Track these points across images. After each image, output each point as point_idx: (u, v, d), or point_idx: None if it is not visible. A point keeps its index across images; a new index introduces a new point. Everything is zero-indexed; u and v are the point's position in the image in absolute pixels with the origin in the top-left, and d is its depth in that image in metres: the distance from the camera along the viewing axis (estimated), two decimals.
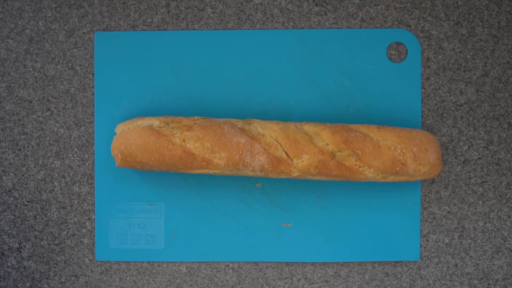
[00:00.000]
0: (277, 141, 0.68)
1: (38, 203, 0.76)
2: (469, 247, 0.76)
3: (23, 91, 0.76)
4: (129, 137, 0.69)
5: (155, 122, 0.69)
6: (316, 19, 0.75)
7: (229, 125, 0.68)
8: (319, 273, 0.76)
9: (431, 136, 0.70)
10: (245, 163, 0.68)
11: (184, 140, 0.68)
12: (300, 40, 0.75)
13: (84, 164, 0.76)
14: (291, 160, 0.68)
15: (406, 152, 0.68)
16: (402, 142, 0.68)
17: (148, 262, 0.76)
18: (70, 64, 0.76)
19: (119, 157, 0.70)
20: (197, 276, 0.76)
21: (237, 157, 0.68)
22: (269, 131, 0.68)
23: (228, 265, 0.76)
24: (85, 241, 0.76)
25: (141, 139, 0.68)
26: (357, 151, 0.68)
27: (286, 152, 0.68)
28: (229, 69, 0.75)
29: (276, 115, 0.75)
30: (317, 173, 0.69)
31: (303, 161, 0.68)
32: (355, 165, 0.68)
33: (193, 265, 0.76)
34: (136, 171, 0.75)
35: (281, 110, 0.75)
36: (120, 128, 0.71)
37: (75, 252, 0.76)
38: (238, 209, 0.75)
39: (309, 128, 0.69)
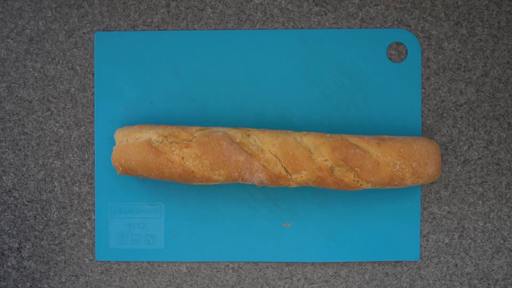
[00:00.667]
0: (276, 157, 0.68)
1: (38, 203, 0.76)
2: (469, 247, 0.76)
3: (23, 91, 0.76)
4: (128, 152, 0.69)
5: (153, 135, 0.69)
6: (316, 19, 0.75)
7: (228, 141, 0.68)
8: (319, 273, 0.76)
9: (433, 147, 0.69)
10: (244, 179, 0.68)
11: (183, 158, 0.68)
12: (300, 40, 0.75)
13: (84, 164, 0.76)
14: (290, 176, 0.68)
15: (405, 168, 0.68)
16: (402, 158, 0.68)
17: (148, 262, 0.76)
18: (70, 64, 0.76)
19: (120, 168, 0.70)
20: (197, 276, 0.76)
21: (236, 174, 0.68)
22: (268, 145, 0.68)
23: (228, 265, 0.76)
24: (85, 241, 0.76)
25: (140, 156, 0.68)
26: (356, 168, 0.68)
27: (285, 168, 0.68)
28: (229, 69, 0.75)
29: (276, 115, 0.75)
30: (315, 186, 0.70)
31: (301, 176, 0.68)
32: (353, 180, 0.68)
33: (193, 265, 0.76)
34: None
35: (281, 110, 0.75)
36: (118, 136, 0.71)
37: (75, 252, 0.76)
38: (238, 209, 0.75)
39: (308, 141, 0.69)
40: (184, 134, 0.69)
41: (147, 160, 0.68)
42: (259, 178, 0.68)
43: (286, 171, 0.68)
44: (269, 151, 0.68)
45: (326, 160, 0.68)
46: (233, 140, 0.68)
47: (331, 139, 0.69)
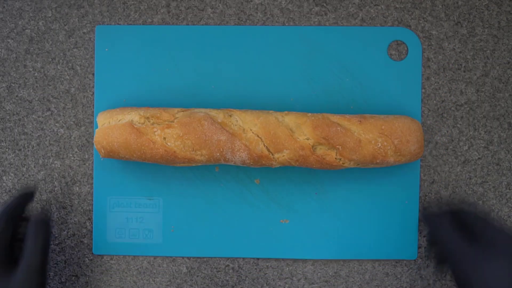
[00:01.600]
0: (258, 136, 0.68)
1: (38, 203, 0.76)
2: None
3: (23, 91, 0.76)
4: (111, 133, 0.69)
5: (135, 117, 0.69)
6: (316, 19, 0.76)
7: (210, 121, 0.68)
8: (319, 273, 0.76)
9: (414, 124, 0.69)
10: (226, 159, 0.69)
11: (165, 138, 0.68)
12: (301, 37, 0.75)
13: (84, 164, 0.76)
14: (272, 155, 0.68)
15: (387, 145, 0.68)
16: (383, 135, 0.68)
17: (148, 262, 0.76)
18: (70, 64, 0.76)
19: (102, 151, 0.70)
20: (197, 276, 0.76)
21: (218, 154, 0.68)
22: (250, 125, 0.68)
23: (228, 265, 0.76)
24: (85, 241, 0.76)
25: (122, 137, 0.68)
26: (337, 146, 0.68)
27: (267, 147, 0.68)
28: (229, 65, 0.75)
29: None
30: (297, 165, 0.69)
31: (283, 155, 0.68)
32: (336, 159, 0.68)
33: (193, 265, 0.76)
34: (135, 165, 0.75)
35: (281, 107, 0.74)
36: (101, 119, 0.71)
37: (75, 252, 0.76)
38: (236, 205, 0.75)
39: (290, 120, 0.69)
40: (166, 115, 0.69)
41: (129, 141, 0.68)
42: (241, 158, 0.68)
43: (268, 150, 0.68)
44: (251, 131, 0.68)
45: (307, 139, 0.68)
46: (214, 120, 0.68)
47: (313, 118, 0.69)
